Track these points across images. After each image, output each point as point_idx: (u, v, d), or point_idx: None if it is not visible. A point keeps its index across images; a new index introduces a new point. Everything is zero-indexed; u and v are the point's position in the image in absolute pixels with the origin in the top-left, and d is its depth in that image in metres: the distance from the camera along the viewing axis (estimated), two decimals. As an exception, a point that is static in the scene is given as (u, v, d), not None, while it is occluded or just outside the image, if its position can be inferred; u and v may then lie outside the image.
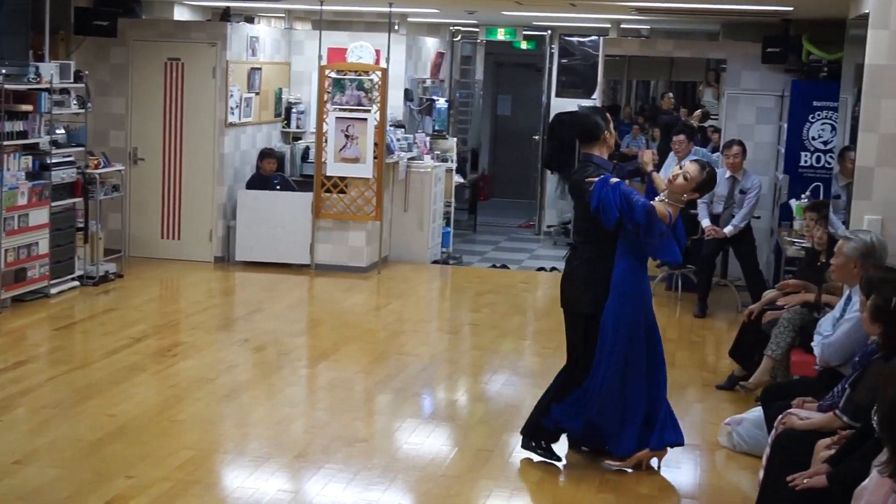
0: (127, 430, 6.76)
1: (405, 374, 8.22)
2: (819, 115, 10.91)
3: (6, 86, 9.56)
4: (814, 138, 10.95)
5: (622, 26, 14.15)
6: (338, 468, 6.21)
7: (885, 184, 6.27)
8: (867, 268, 5.54)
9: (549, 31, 15.22)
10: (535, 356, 8.90)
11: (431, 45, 16.40)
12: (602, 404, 5.89)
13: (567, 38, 15.24)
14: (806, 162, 10.96)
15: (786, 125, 11.24)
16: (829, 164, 10.62)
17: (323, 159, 11.73)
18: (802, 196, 9.70)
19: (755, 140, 11.39)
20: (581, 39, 15.29)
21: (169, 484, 5.87)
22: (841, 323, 5.87)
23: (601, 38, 13.58)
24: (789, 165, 11.06)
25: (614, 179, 5.72)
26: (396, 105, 13.41)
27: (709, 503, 5.90)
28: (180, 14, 13.36)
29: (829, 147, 10.75)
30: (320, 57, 12.28)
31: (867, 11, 6.31)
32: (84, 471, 6.06)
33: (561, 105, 14.66)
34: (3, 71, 9.63)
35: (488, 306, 10.58)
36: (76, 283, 10.60)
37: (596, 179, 5.70)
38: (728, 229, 10.00)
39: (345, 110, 11.67)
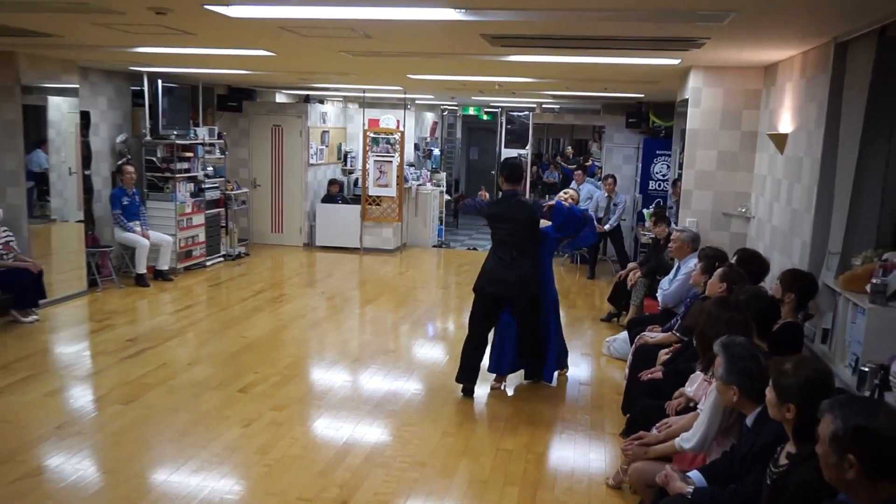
0: (253, 345, 6.87)
1: (417, 313, 8.33)
2: (659, 159, 11.05)
3: (177, 141, 9.62)
4: (656, 173, 11.08)
5: (543, 106, 14.21)
6: (378, 368, 6.35)
7: (699, 200, 6.49)
8: (696, 247, 5.82)
9: (500, 109, 15.27)
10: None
11: (430, 116, 16.46)
12: (545, 345, 5.87)
13: (510, 112, 15.30)
14: (652, 187, 11.10)
15: (640, 165, 11.37)
16: (665, 188, 10.76)
17: (366, 185, 11.78)
18: (650, 207, 9.84)
19: (622, 174, 11.52)
20: (518, 114, 15.35)
21: (278, 377, 6.00)
22: (674, 282, 6.03)
23: (531, 112, 13.65)
24: (642, 189, 11.21)
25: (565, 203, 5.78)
26: (409, 153, 13.48)
27: (597, 387, 6.07)
28: (280, 98, 13.38)
29: (665, 178, 10.88)
30: (364, 124, 12.33)
31: (687, 97, 6.44)
32: (228, 369, 6.17)
33: (507, 152, 14.77)
34: (175, 133, 9.69)
35: (465, 272, 10.69)
36: (221, 258, 10.66)
37: (548, 205, 5.62)
38: (606, 227, 10.14)
39: (379, 156, 11.72)
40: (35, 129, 8.32)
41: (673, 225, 7.33)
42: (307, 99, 13.32)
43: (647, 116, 11.51)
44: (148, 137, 9.50)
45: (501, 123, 15.24)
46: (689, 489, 2.88)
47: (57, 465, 4.36)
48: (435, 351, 6.99)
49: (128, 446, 4.65)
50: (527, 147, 13.50)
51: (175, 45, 6.29)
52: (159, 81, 9.35)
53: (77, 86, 8.35)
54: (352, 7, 4.21)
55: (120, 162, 9.35)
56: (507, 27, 4.69)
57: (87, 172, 9.01)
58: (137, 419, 5.07)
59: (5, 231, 7.24)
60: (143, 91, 9.44)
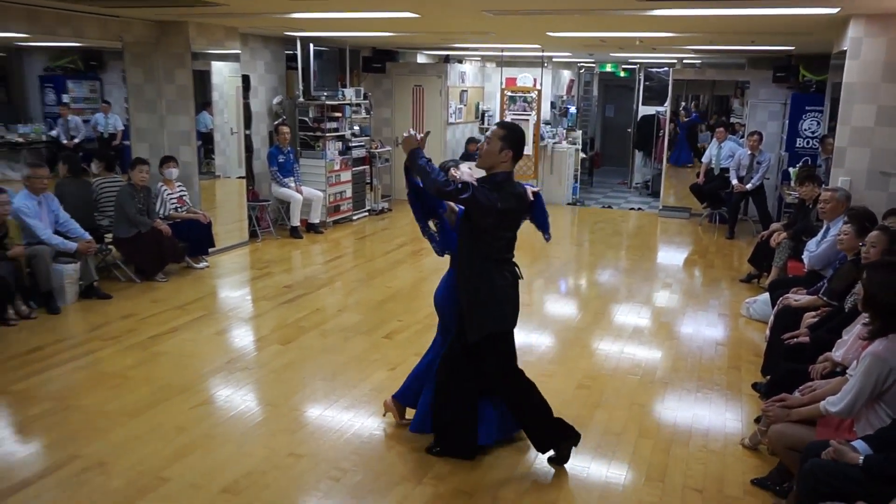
0: (396, 295, 7.10)
1: (551, 269, 8.32)
2: (809, 115, 10.31)
3: (327, 102, 9.96)
4: (805, 130, 10.36)
5: (684, 61, 13.58)
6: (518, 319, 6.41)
7: (853, 158, 6.04)
8: (849, 207, 5.51)
9: (639, 65, 14.73)
10: (626, 260, 8.87)
11: (566, 74, 16.15)
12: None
13: (649, 69, 14.73)
14: (799, 144, 10.40)
15: (787, 121, 10.67)
16: (814, 146, 10.07)
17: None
18: (797, 166, 9.25)
19: (767, 131, 10.83)
20: (657, 70, 14.75)
21: (420, 325, 6.17)
22: (822, 243, 5.71)
23: (671, 68, 13.08)
24: (789, 146, 10.53)
25: None
26: (546, 111, 13.33)
27: (734, 348, 5.87)
28: (421, 59, 13.52)
29: (815, 135, 10.17)
30: (501, 83, 12.26)
31: (845, 49, 5.97)
32: (375, 316, 6.42)
33: (644, 110, 14.29)
34: (325, 94, 10.03)
35: (600, 230, 10.54)
36: (366, 213, 11.05)
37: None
38: (749, 186, 9.65)
39: (516, 114, 11.65)
40: (201, 92, 8.86)
41: (823, 185, 6.89)
42: (447, 59, 13.41)
43: (796, 70, 10.75)
44: (301, 99, 9.92)
45: (639, 80, 14.70)
46: (861, 458, 2.78)
47: (227, 396, 4.75)
48: (568, 306, 6.98)
49: (287, 383, 5.00)
50: (665, 103, 12.97)
51: (326, 10, 6.49)
52: (311, 45, 9.70)
53: (238, 51, 8.81)
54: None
55: (276, 122, 9.83)
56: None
57: (247, 132, 9.55)
58: (295, 359, 5.42)
59: (180, 186, 7.84)
60: (296, 55, 9.82)
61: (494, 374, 3.82)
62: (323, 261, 8.50)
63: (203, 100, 9.09)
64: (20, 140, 13.92)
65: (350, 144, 10.50)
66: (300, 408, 4.61)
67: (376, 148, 11.35)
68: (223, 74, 9.31)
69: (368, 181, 11.10)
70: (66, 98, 14.55)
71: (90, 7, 6.61)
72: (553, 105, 14.83)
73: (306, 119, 9.99)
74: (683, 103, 14.42)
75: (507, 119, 11.57)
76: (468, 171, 3.74)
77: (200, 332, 5.98)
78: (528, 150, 11.53)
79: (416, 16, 6.67)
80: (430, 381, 4.08)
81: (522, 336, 5.95)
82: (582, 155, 13.35)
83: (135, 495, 3.58)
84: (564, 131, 13.17)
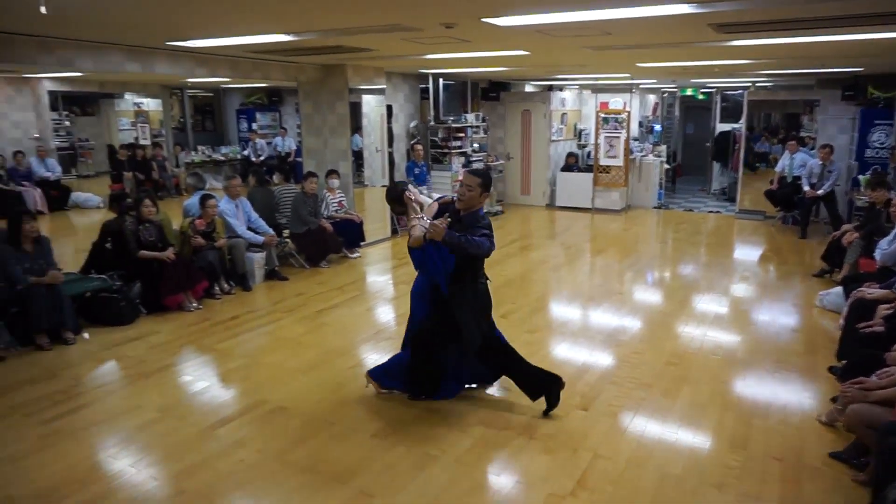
0: (510, 282, 7.00)
1: (639, 262, 7.98)
2: (877, 128, 9.37)
3: (452, 125, 9.98)
4: (874, 141, 9.42)
5: (757, 84, 12.67)
6: (606, 305, 6.19)
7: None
8: None
9: (716, 89, 13.88)
10: (706, 256, 8.38)
11: (651, 98, 15.46)
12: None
13: (725, 92, 13.84)
14: (868, 154, 9.46)
15: (857, 134, 9.73)
16: (883, 156, 9.14)
17: (598, 157, 11.40)
18: (866, 173, 8.41)
19: (836, 143, 9.89)
20: (732, 93, 13.84)
21: (529, 308, 6.07)
22: (894, 242, 5.15)
23: (745, 91, 12.22)
24: (858, 156, 9.59)
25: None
26: (634, 129, 12.80)
27: (808, 334, 5.40)
28: (528, 88, 13.32)
29: (883, 146, 9.23)
30: (595, 106, 11.88)
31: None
32: (493, 299, 6.36)
33: (721, 127, 13.47)
34: (451, 119, 10.05)
35: (682, 230, 10.02)
36: (483, 215, 10.97)
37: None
38: (820, 192, 8.86)
39: (608, 133, 11.27)
40: (354, 119, 9.12)
41: (893, 191, 6.23)
42: (550, 88, 13.12)
43: (864, 88, 9.77)
44: (432, 123, 10.02)
45: (717, 102, 13.84)
46: None
47: (375, 360, 4.82)
48: (655, 295, 6.67)
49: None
50: (740, 121, 12.15)
51: (454, 51, 6.49)
52: (440, 80, 9.77)
53: (384, 86, 8.98)
54: (599, 10, 4.04)
55: (412, 142, 9.97)
56: (735, 15, 4.21)
57: (389, 150, 9.74)
58: (428, 332, 5.47)
59: (340, 193, 8.08)
60: (428, 88, 9.94)
61: (491, 360, 4.01)
62: (449, 253, 8.55)
63: (355, 125, 9.36)
64: (222, 158, 14.87)
65: (471, 159, 10.49)
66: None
67: (492, 161, 11.28)
68: (371, 105, 9.54)
69: (485, 189, 11.04)
70: (254, 125, 15.41)
71: (276, 57, 6.93)
72: (640, 124, 14.23)
73: (436, 139, 10.07)
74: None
75: (602, 137, 11.22)
76: (424, 196, 3.94)
77: (354, 308, 6.14)
78: (619, 161, 11.16)
79: (527, 53, 6.55)
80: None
81: (616, 319, 5.75)
82: (666, 166, 12.73)
83: (310, 433, 3.72)
84: (651, 146, 12.61)
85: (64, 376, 4.53)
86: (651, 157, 12.15)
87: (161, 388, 4.34)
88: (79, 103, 14.12)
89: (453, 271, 3.74)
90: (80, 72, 7.41)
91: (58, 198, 11.08)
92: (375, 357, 4.88)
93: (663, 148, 12.80)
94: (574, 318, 5.82)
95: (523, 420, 3.87)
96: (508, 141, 12.19)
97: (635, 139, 12.84)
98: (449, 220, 3.61)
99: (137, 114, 14.20)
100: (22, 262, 5.00)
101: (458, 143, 10.17)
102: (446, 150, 10.01)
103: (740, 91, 13.20)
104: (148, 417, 3.92)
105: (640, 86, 13.73)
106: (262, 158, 14.04)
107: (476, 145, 10.70)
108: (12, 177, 10.55)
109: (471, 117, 10.54)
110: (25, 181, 10.60)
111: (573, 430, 3.75)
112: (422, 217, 3.76)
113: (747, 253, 8.63)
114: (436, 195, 3.80)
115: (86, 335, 5.28)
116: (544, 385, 3.92)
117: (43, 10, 3.42)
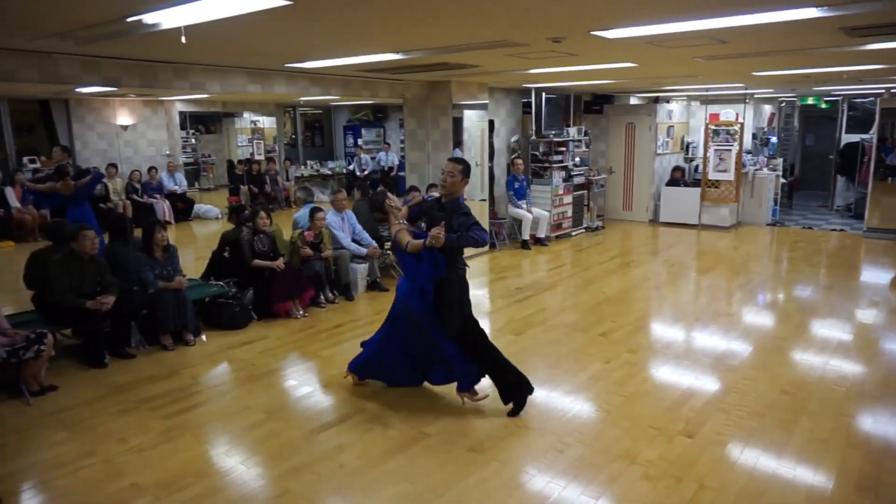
0: (609, 299, 6.81)
1: (750, 282, 7.50)
2: None
3: (553, 139, 9.88)
4: None
5: (892, 91, 11.60)
6: (716, 327, 5.87)
7: None
8: None
9: (842, 97, 12.85)
10: (828, 277, 7.73)
11: (767, 108, 14.59)
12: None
13: (853, 99, 12.79)
14: None
15: None
16: None
17: (707, 171, 10.86)
18: None
19: None
20: (862, 100, 12.77)
21: (631, 326, 5.86)
22: None
23: (877, 98, 11.23)
24: None
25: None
26: (747, 141, 12.10)
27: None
28: (633, 101, 12.97)
29: None
30: (705, 118, 11.35)
31: None
32: (591, 316, 6.18)
33: (847, 138, 12.44)
34: (552, 133, 9.96)
35: (800, 248, 9.33)
36: (583, 230, 10.74)
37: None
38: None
39: (719, 145, 10.72)
40: (455, 134, 9.23)
41: None
42: (656, 100, 12.72)
43: None
44: (533, 137, 9.97)
45: (843, 110, 12.82)
46: None
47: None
48: (768, 317, 6.23)
49: (519, 366, 4.93)
50: (871, 131, 11.17)
51: (558, 65, 6.44)
52: (543, 94, 9.73)
53: (486, 101, 9.05)
54: (715, 18, 3.86)
55: (512, 156, 9.96)
56: (872, 17, 3.88)
57: (490, 164, 9.78)
58: (525, 347, 5.41)
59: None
60: (530, 102, 9.91)
61: (470, 345, 4.09)
62: (547, 268, 8.44)
63: (456, 139, 9.46)
64: (328, 172, 15.55)
65: (572, 173, 10.34)
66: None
67: (593, 176, 11.06)
68: (472, 119, 9.61)
69: (586, 203, 10.85)
70: (360, 141, 16.02)
71: (384, 75, 7.19)
72: (754, 136, 13.47)
73: (537, 153, 10.01)
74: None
75: (711, 150, 10.70)
76: (397, 199, 4.09)
77: (452, 320, 6.19)
78: (730, 175, 10.58)
79: (635, 64, 6.38)
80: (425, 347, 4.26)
81: (724, 343, 5.43)
82: (782, 180, 11.93)
83: (406, 443, 3.78)
84: (765, 159, 11.87)
85: (184, 375, 4.87)
86: (765, 170, 11.44)
87: (268, 391, 4.56)
88: (203, 122, 15.29)
89: (440, 260, 3.89)
90: (208, 94, 8.05)
91: (183, 209, 12.04)
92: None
93: (779, 161, 12.01)
94: (678, 340, 5.55)
95: (624, 443, 3.73)
96: (611, 154, 11.90)
97: (748, 152, 12.16)
98: (444, 223, 3.75)
99: (254, 131, 15.17)
100: (154, 268, 5.46)
101: (559, 157, 10.05)
102: (547, 165, 9.92)
103: (871, 98, 12.17)
104: (256, 418, 4.13)
105: (755, 95, 13.01)
106: (366, 173, 14.55)
107: (577, 159, 10.53)
108: (146, 190, 11.56)
109: (573, 131, 10.40)
110: (157, 194, 11.59)
111: (677, 458, 3.56)
112: (405, 223, 3.99)
113: (877, 275, 7.89)
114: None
115: (203, 337, 5.66)
116: (518, 389, 4.10)
117: (183, 39, 3.77)
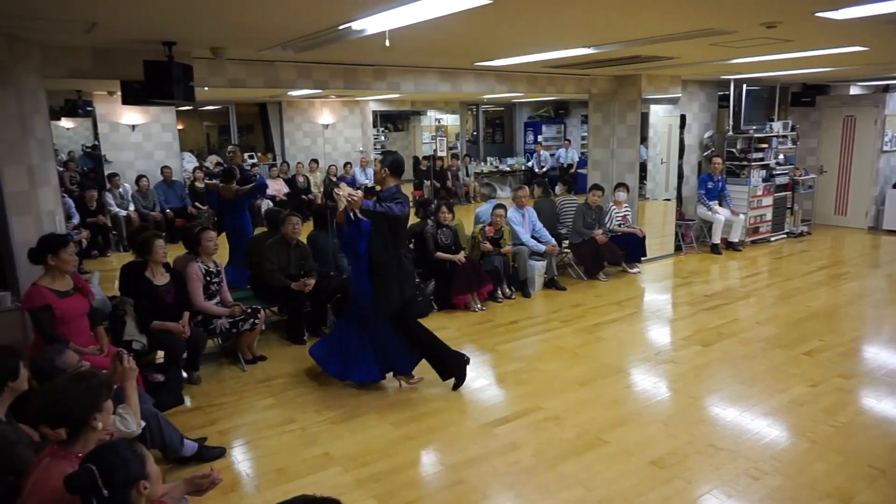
0: (816, 315, 6.11)
1: None
2: None
3: (754, 135, 9.05)
4: None
5: None
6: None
7: None
8: None
9: None
10: None
11: None
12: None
13: None
14: None
15: None
16: None
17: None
18: None
19: None
20: None
21: (844, 348, 5.25)
22: None
23: None
24: None
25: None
26: None
27: None
28: (854, 90, 11.36)
29: None
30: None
31: None
32: (793, 332, 5.63)
33: None
34: (753, 128, 9.13)
35: None
36: (784, 235, 9.75)
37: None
38: None
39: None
40: (641, 129, 8.80)
41: None
42: (885, 88, 11.00)
43: None
44: (730, 133, 9.18)
45: None
46: None
47: (654, 382, 4.60)
48: None
49: (707, 380, 4.63)
50: None
51: (768, 53, 5.83)
52: (743, 86, 8.92)
53: (679, 95, 8.51)
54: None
55: (706, 153, 9.27)
56: None
57: (679, 162, 9.20)
58: (714, 360, 5.01)
59: (626, 206, 7.85)
60: (728, 95, 9.14)
61: (404, 329, 4.31)
62: (740, 276, 7.73)
63: (642, 135, 9.02)
64: (508, 169, 15.73)
65: (774, 172, 9.35)
66: (719, 405, 4.22)
67: (800, 175, 9.90)
68: (658, 114, 9.13)
69: (789, 206, 9.75)
70: (540, 138, 15.99)
71: (571, 70, 7.06)
72: None
73: (733, 150, 9.20)
74: None
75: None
76: (348, 188, 4.10)
77: (632, 325, 5.92)
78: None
79: (865, 48, 5.57)
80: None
81: (887, 357, 4.55)
82: None
83: (582, 448, 3.69)
84: None
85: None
86: None
87: (446, 382, 4.71)
88: (392, 120, 16.26)
89: (378, 244, 4.13)
90: (402, 93, 8.52)
91: (373, 201, 12.90)
92: (653, 380, 4.64)
93: None
94: (908, 369, 4.77)
95: (835, 480, 3.28)
96: (823, 152, 10.57)
97: None
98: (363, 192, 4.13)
99: (437, 128, 15.81)
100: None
101: (760, 155, 9.14)
102: (745, 163, 9.08)
103: None
104: (434, 406, 4.29)
105: None
106: (544, 169, 14.48)
107: (781, 157, 9.50)
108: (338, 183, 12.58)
109: (777, 125, 9.40)
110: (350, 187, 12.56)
111: (905, 507, 3.06)
112: (343, 195, 4.10)
113: None
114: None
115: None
116: (454, 364, 4.44)
117: (387, 43, 4.05)
